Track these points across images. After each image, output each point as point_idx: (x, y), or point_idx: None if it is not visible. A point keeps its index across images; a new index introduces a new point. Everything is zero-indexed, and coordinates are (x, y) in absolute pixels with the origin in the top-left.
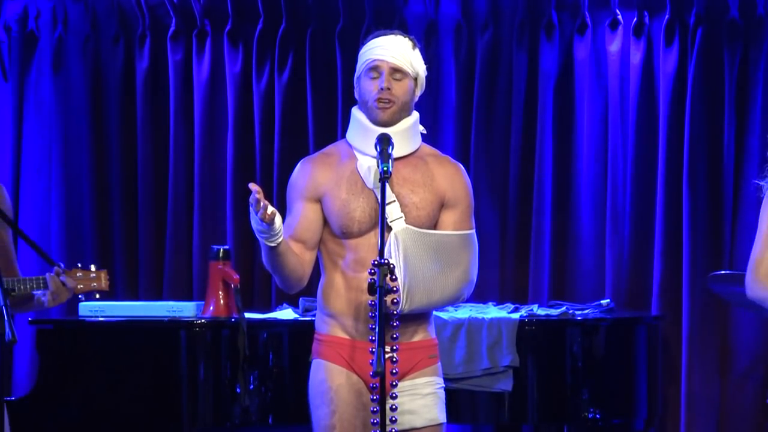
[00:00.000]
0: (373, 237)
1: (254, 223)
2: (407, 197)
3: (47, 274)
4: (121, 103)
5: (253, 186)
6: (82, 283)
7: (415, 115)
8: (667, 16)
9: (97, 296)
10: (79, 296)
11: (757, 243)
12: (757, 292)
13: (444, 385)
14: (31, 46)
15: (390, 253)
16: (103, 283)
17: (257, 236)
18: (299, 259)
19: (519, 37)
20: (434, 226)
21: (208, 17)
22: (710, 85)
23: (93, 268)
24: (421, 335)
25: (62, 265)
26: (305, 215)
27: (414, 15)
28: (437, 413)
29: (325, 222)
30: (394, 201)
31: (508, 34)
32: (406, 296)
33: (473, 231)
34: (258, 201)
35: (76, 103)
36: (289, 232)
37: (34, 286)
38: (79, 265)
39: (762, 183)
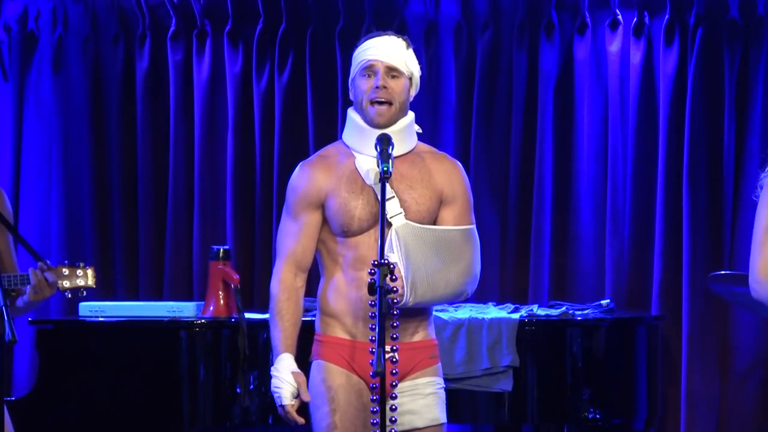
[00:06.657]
0: (374, 234)
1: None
2: (406, 193)
3: (30, 269)
4: (121, 103)
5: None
6: (67, 280)
7: (411, 114)
8: (667, 16)
9: (84, 293)
10: (66, 293)
11: (755, 242)
12: (762, 293)
13: (444, 386)
14: (31, 46)
15: (391, 248)
16: (90, 280)
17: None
18: (298, 310)
19: (519, 37)
20: (434, 222)
21: (208, 17)
22: (710, 85)
23: (81, 265)
24: (421, 335)
25: (48, 262)
26: (307, 233)
27: (414, 15)
28: (438, 413)
29: (325, 222)
30: (393, 197)
31: (508, 34)
32: (410, 290)
33: (474, 226)
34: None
35: (76, 103)
36: (291, 253)
37: (18, 282)
38: (66, 262)
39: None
